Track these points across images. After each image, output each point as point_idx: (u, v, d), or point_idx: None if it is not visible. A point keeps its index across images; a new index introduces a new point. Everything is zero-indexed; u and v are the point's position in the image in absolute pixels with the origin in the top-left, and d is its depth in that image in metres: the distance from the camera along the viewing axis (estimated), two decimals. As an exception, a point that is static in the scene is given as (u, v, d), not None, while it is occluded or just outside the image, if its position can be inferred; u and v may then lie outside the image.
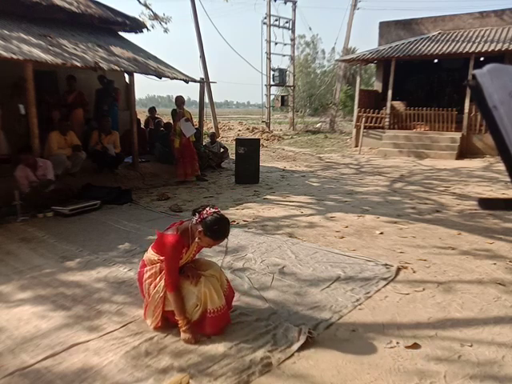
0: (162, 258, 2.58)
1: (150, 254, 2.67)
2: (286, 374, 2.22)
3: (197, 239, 2.52)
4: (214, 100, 18.90)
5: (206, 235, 2.48)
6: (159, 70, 8.45)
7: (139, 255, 3.98)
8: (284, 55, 21.78)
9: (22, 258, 3.95)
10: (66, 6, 8.09)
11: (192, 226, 2.54)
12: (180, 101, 7.98)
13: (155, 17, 13.48)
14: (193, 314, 2.58)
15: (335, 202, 6.35)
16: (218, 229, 2.48)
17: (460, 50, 12.10)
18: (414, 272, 3.58)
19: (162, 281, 2.56)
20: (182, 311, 2.54)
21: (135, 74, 7.94)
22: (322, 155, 12.78)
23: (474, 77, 1.28)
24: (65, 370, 2.25)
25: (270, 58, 20.24)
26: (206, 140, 11.64)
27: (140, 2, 13.26)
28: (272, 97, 21.94)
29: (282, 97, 21.97)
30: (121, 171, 7.89)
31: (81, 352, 2.41)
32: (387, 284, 3.32)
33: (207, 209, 2.51)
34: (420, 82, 15.85)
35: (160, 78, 8.32)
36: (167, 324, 2.64)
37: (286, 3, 20.52)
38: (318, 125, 22.06)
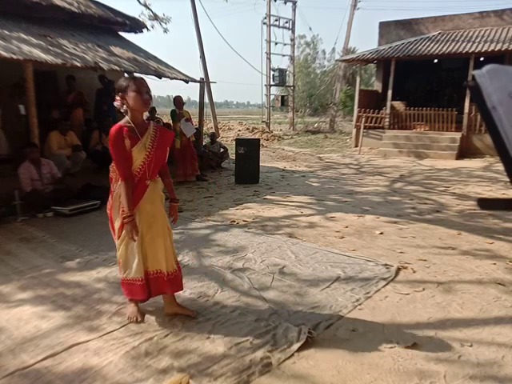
0: None
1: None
2: (285, 374, 2.22)
3: (125, 107, 2.51)
4: (214, 100, 18.90)
5: (126, 92, 2.48)
6: (159, 70, 8.46)
7: (139, 255, 3.99)
8: (284, 55, 21.78)
9: (22, 258, 3.95)
10: (66, 6, 8.09)
11: (126, 113, 2.55)
12: (179, 101, 7.97)
13: (155, 17, 13.49)
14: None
15: (335, 202, 6.35)
16: (127, 78, 2.57)
17: (460, 50, 12.10)
18: (414, 272, 3.58)
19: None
20: (129, 203, 2.53)
21: (135, 74, 7.94)
22: (321, 155, 12.78)
23: (473, 78, 1.28)
24: (65, 369, 2.25)
25: (269, 58, 20.22)
26: (205, 140, 11.63)
27: (140, 2, 13.27)
28: (272, 97, 21.94)
29: (282, 97, 21.95)
30: (121, 171, 7.88)
31: (81, 352, 2.41)
32: (387, 284, 3.32)
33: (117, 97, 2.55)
34: (420, 82, 15.84)
35: (160, 78, 8.32)
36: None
37: (285, 3, 20.49)
38: (316, 124, 22.05)
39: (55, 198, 5.75)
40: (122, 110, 2.54)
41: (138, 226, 2.59)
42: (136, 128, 2.55)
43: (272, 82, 20.62)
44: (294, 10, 20.88)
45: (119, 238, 2.71)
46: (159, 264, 2.72)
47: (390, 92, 13.18)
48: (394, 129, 13.30)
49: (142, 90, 2.50)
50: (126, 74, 9.02)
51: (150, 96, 2.57)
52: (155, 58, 9.30)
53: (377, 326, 2.69)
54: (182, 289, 2.86)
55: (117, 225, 2.72)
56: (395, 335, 2.58)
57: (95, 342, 2.50)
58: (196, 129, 8.72)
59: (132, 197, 2.57)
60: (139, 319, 2.74)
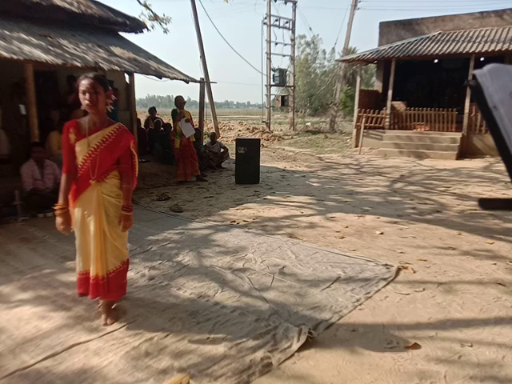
0: None
1: None
2: (286, 374, 2.22)
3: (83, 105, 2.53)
4: (214, 100, 18.91)
5: (78, 90, 2.54)
6: (159, 70, 8.45)
7: (139, 255, 3.99)
8: (284, 55, 21.79)
9: (23, 258, 3.95)
10: (67, 6, 8.09)
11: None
12: (180, 101, 7.98)
13: (155, 17, 13.47)
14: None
15: (335, 202, 6.35)
16: (82, 76, 2.56)
17: (460, 50, 12.10)
18: (414, 272, 3.58)
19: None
20: (63, 196, 2.66)
21: (135, 74, 7.94)
22: (322, 155, 12.78)
23: (474, 77, 1.28)
24: (65, 370, 2.25)
25: (270, 58, 20.24)
26: (206, 140, 11.64)
27: (140, 3, 13.25)
28: (272, 97, 21.95)
29: (282, 97, 21.97)
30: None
31: (81, 352, 2.41)
32: (387, 284, 3.32)
33: None
34: (420, 82, 15.84)
35: (160, 78, 8.32)
36: None
37: (286, 3, 20.51)
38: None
39: (55, 198, 5.75)
40: (81, 107, 2.58)
41: (72, 220, 2.72)
42: (88, 125, 2.59)
43: (272, 82, 20.64)
44: (294, 10, 20.91)
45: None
46: (87, 265, 2.82)
47: (390, 92, 13.18)
48: (394, 129, 13.30)
49: (86, 91, 2.49)
50: (126, 75, 9.04)
51: (96, 97, 2.51)
52: (155, 58, 9.30)
53: (377, 326, 2.69)
54: (110, 298, 2.80)
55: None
56: (395, 335, 2.58)
57: (95, 342, 2.50)
58: (196, 129, 8.72)
59: (72, 190, 2.68)
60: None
